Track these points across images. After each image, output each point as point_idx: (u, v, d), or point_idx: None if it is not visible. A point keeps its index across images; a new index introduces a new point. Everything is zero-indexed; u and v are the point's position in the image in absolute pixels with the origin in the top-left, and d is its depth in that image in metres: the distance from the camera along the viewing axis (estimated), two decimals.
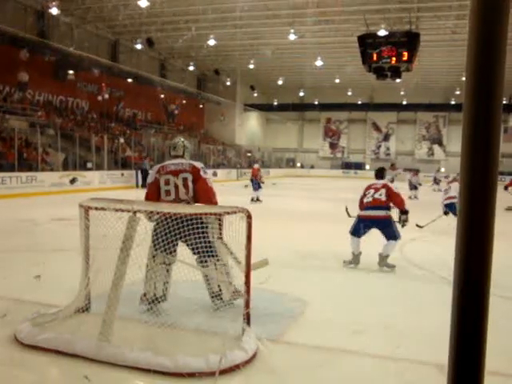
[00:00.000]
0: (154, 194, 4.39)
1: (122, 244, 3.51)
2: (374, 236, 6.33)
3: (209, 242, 4.00)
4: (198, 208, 4.17)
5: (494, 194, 0.84)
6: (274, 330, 3.89)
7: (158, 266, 4.12)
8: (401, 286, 5.64)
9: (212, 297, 4.24)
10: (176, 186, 4.27)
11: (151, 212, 3.81)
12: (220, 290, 4.21)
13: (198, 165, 4.46)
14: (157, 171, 4.43)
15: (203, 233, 3.92)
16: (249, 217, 3.63)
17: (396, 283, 5.74)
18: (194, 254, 4.05)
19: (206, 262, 4.10)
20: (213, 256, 4.09)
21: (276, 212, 13.19)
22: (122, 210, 3.61)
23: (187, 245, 4.06)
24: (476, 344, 0.88)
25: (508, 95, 40.73)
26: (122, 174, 22.28)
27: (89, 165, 21.35)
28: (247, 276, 3.68)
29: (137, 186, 22.04)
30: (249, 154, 40.32)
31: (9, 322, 3.86)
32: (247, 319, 3.67)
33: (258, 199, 15.79)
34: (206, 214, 3.97)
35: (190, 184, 4.30)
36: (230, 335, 3.52)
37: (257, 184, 16.01)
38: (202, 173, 4.37)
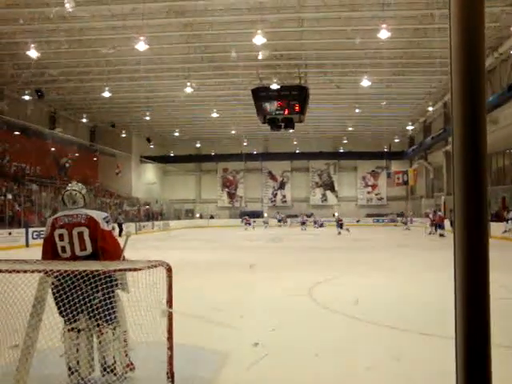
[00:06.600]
0: (49, 251, 3.85)
1: (33, 308, 3.18)
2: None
3: (112, 305, 3.59)
4: (115, 264, 3.75)
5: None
6: None
7: (71, 334, 3.67)
8: (321, 332, 5.68)
9: (104, 369, 3.64)
10: (71, 242, 3.77)
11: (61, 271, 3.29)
12: (114, 362, 3.66)
13: (98, 216, 3.91)
14: (51, 224, 3.88)
15: (108, 293, 3.53)
16: (169, 270, 3.49)
17: (317, 332, 5.78)
18: (90, 318, 3.60)
19: (104, 327, 3.65)
20: (112, 321, 3.65)
21: (183, 265, 12.87)
22: (32, 271, 3.28)
23: (85, 308, 3.54)
24: None
25: (388, 144, 44.58)
26: (10, 233, 20.59)
27: None
28: (170, 331, 3.49)
29: (26, 245, 20.47)
30: (147, 207, 39.47)
31: None
32: (171, 377, 3.46)
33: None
34: (125, 270, 3.64)
35: (87, 239, 3.79)
36: None
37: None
38: (102, 225, 3.86)
